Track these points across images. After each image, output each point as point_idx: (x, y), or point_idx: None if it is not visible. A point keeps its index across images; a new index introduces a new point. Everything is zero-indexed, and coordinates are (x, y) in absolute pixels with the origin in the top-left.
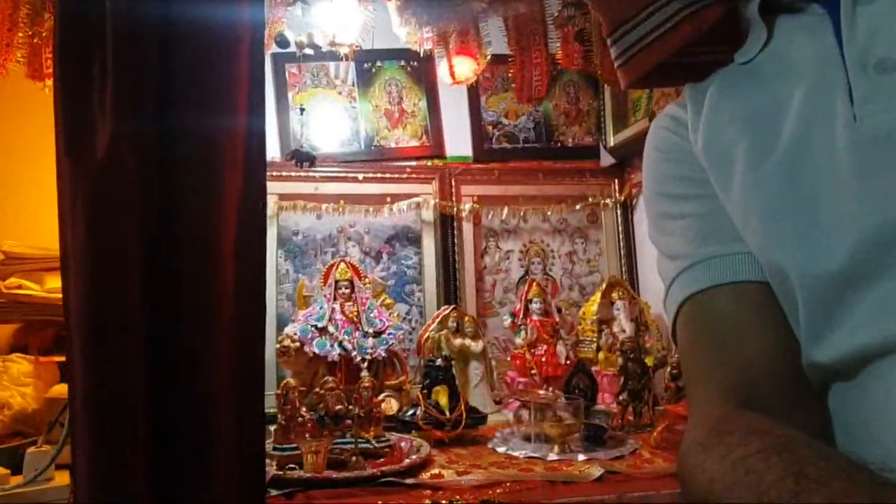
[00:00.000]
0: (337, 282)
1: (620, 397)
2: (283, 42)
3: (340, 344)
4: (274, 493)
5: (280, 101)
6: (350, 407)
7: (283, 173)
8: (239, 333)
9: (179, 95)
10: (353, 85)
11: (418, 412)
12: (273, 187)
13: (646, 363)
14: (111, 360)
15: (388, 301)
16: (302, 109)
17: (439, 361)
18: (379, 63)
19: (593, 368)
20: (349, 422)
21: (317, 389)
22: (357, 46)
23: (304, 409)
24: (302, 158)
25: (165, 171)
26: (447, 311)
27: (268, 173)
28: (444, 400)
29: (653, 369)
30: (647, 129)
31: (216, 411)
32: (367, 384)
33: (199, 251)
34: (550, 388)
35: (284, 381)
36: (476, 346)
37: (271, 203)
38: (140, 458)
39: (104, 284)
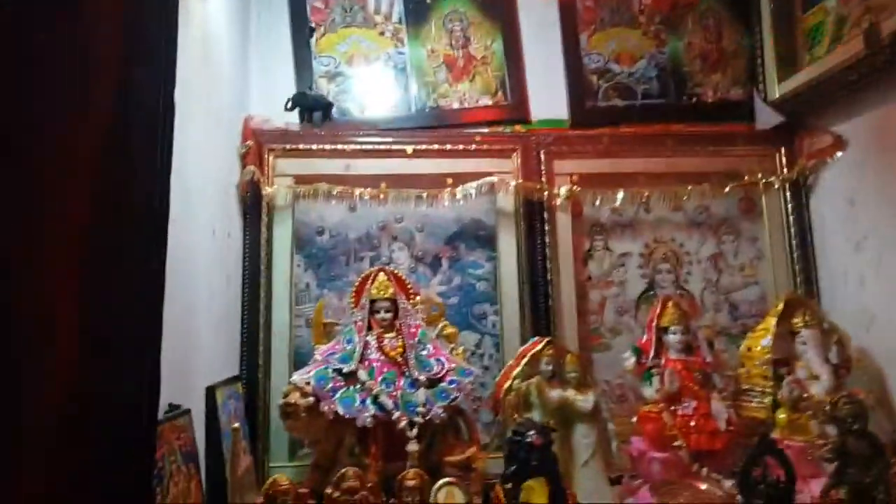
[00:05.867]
0: (373, 302)
1: (833, 493)
2: None
3: (376, 399)
4: None
5: (298, 49)
6: None
7: (301, 146)
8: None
9: None
10: (401, 22)
11: None
12: (287, 166)
13: (877, 439)
14: None
15: (450, 330)
16: (312, 29)
17: (531, 436)
18: None
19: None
20: None
21: (329, 491)
22: None
23: None
24: (307, 106)
25: None
26: (539, 347)
27: (281, 146)
28: (540, 501)
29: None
30: (830, 74)
31: None
32: (412, 480)
33: None
34: (706, 470)
35: (271, 480)
36: (584, 400)
37: (284, 188)
38: None
39: None
